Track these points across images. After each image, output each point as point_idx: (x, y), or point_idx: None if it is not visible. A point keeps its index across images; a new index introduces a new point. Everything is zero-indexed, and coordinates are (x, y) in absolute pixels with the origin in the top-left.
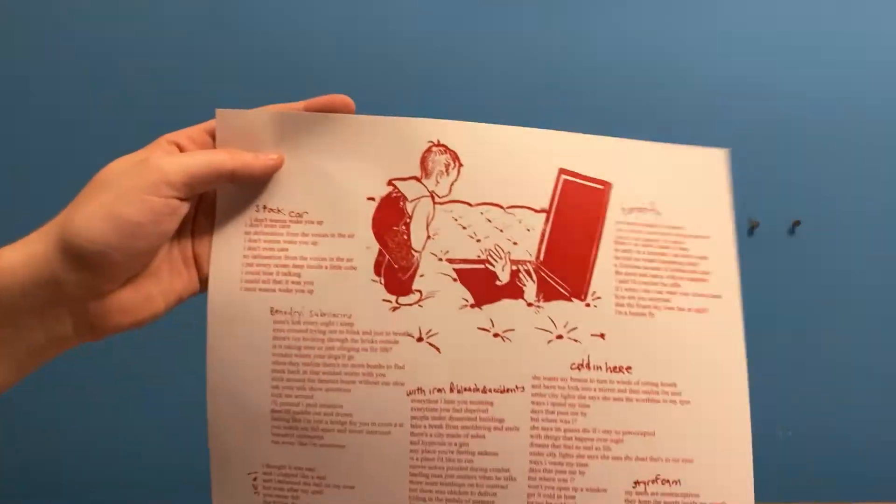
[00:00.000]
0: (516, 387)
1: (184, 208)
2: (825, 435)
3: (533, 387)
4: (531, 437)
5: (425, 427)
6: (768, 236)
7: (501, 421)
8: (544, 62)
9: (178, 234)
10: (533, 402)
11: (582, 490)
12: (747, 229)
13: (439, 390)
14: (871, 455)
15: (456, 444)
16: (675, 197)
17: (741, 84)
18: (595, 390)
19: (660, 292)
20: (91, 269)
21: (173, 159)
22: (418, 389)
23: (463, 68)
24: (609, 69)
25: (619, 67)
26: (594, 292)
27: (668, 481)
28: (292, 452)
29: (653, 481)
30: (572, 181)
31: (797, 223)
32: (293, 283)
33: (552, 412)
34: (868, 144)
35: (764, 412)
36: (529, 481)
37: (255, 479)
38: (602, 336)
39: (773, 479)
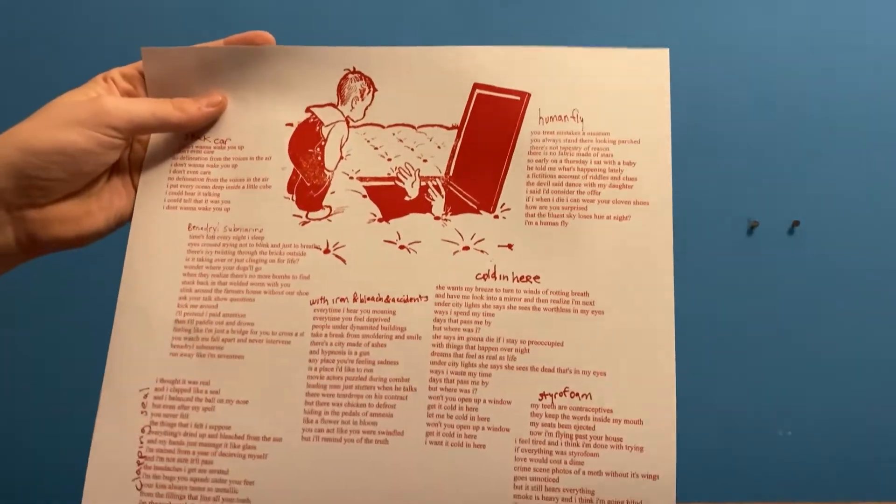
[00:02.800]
0: (419, 296)
1: (124, 145)
2: (825, 435)
3: (437, 296)
4: (433, 345)
5: (326, 336)
6: (768, 236)
7: (403, 329)
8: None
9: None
10: (436, 311)
11: (485, 401)
12: (747, 229)
13: (342, 300)
14: (871, 455)
15: (356, 353)
16: (601, 102)
17: (741, 83)
18: (500, 300)
19: (575, 201)
20: (31, 180)
21: (121, 104)
22: (321, 299)
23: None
24: None
25: None
26: (503, 204)
27: (577, 394)
28: (189, 365)
29: (560, 394)
30: (487, 95)
31: (797, 223)
32: (212, 202)
33: (455, 321)
34: (868, 145)
35: (764, 412)
36: (430, 391)
37: (145, 395)
38: (510, 246)
39: (773, 479)
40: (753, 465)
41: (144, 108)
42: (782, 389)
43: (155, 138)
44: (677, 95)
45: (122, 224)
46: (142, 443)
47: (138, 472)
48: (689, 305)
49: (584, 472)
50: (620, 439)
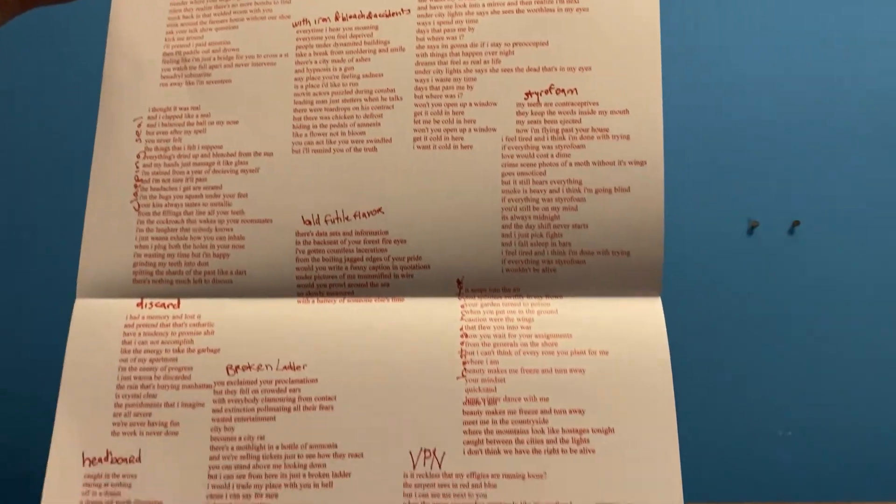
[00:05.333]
0: (402, 9)
1: None
2: (825, 435)
3: (419, 8)
4: (417, 55)
5: (310, 55)
6: (768, 236)
7: (387, 43)
8: None
9: None
10: (419, 23)
11: (471, 105)
12: (747, 229)
13: (324, 20)
14: (871, 455)
15: (341, 70)
16: None
17: (741, 83)
18: (483, 5)
19: None
20: None
21: None
22: (303, 20)
23: None
24: None
25: None
26: None
27: (562, 90)
28: (179, 93)
29: (546, 91)
30: None
31: (797, 223)
32: None
33: (438, 30)
34: (868, 144)
35: (764, 412)
36: (416, 99)
37: (139, 124)
38: None
39: (773, 479)
40: (753, 465)
41: None
42: (782, 389)
43: None
44: (676, 95)
45: None
46: (137, 167)
47: (135, 194)
48: (689, 305)
49: (570, 164)
50: (606, 129)
